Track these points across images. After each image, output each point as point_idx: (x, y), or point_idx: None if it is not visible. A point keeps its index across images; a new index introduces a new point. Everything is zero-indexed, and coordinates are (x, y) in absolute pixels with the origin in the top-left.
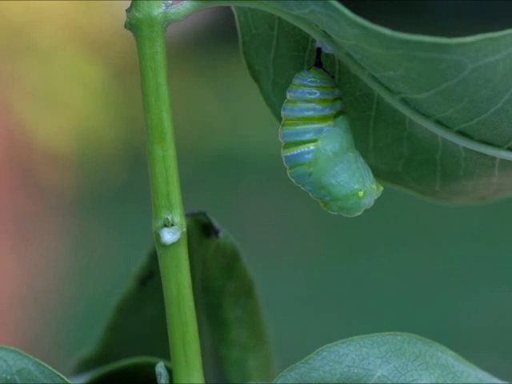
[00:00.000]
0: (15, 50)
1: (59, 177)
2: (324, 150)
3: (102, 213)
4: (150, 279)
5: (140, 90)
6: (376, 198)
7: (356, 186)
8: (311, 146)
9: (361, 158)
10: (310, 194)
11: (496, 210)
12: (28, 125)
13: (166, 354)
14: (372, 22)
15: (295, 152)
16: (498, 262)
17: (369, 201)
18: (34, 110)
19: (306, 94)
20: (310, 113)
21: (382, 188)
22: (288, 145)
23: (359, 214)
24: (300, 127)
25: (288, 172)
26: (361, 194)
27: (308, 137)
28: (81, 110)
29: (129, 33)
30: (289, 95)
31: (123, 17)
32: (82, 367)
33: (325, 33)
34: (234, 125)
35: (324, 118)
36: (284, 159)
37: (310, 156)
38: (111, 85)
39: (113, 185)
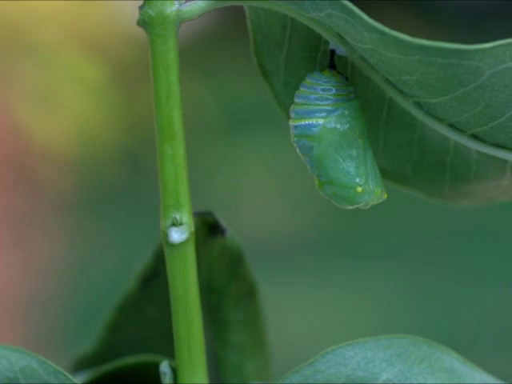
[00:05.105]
0: (14, 49)
1: (58, 177)
2: (332, 128)
3: (100, 213)
4: (154, 279)
5: (139, 91)
6: (375, 203)
7: (357, 180)
8: (320, 121)
9: (371, 156)
10: (308, 167)
11: (497, 210)
12: (27, 125)
13: (165, 355)
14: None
15: (303, 123)
16: (499, 262)
17: (366, 201)
18: (33, 110)
19: (320, 91)
20: (324, 102)
21: (385, 196)
22: (298, 118)
23: (350, 208)
24: (312, 107)
25: (292, 139)
26: (359, 189)
27: (319, 115)
28: (80, 110)
29: (129, 34)
30: (302, 89)
31: (124, 17)
32: (80, 365)
33: (339, 35)
34: (235, 125)
35: (337, 104)
36: (291, 128)
37: (316, 129)
38: (111, 85)
39: (112, 185)
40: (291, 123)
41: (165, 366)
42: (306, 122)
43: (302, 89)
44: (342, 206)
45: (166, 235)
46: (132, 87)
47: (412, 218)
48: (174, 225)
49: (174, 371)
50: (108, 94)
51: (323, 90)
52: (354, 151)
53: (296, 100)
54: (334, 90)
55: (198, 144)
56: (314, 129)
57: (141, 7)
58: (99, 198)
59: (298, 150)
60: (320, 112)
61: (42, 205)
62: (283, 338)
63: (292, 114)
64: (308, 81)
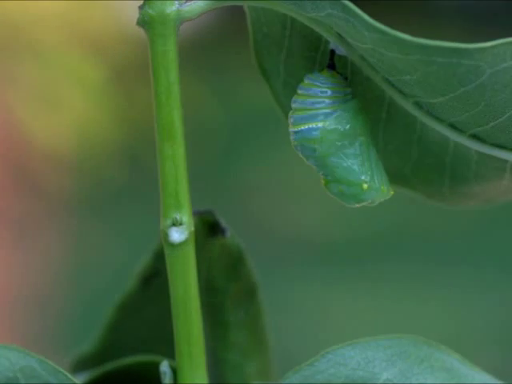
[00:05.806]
0: (15, 50)
1: (58, 177)
2: (332, 129)
3: (100, 213)
4: (154, 279)
5: (139, 91)
6: (382, 200)
7: (363, 177)
8: (319, 124)
9: (375, 153)
10: (313, 167)
11: (496, 210)
12: (27, 125)
13: (165, 355)
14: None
15: (303, 128)
16: (499, 262)
17: (372, 198)
18: (34, 110)
19: (318, 93)
20: (321, 105)
21: (392, 193)
22: (297, 124)
23: (357, 205)
24: (310, 112)
25: (293, 144)
26: (365, 186)
27: (318, 119)
28: (80, 110)
29: (129, 34)
30: (300, 91)
31: (124, 18)
32: (80, 365)
33: (339, 35)
34: (235, 125)
35: (334, 107)
36: (291, 134)
37: (317, 133)
38: (111, 85)
39: (112, 185)
40: (291, 129)
41: (165, 366)
42: (306, 127)
43: (299, 92)
44: (349, 205)
45: (166, 235)
46: (132, 87)
47: (413, 221)
48: (174, 225)
49: (174, 371)
50: (108, 94)
51: (320, 92)
52: (357, 149)
53: (293, 105)
54: (329, 92)
55: (198, 144)
56: (314, 132)
57: (141, 7)
58: (99, 197)
59: (300, 155)
60: (318, 116)
61: (42, 205)
62: (284, 338)
63: (291, 121)
64: (306, 82)
